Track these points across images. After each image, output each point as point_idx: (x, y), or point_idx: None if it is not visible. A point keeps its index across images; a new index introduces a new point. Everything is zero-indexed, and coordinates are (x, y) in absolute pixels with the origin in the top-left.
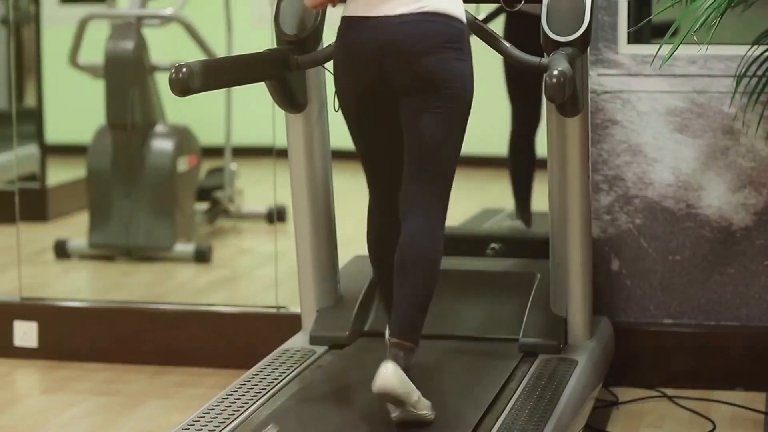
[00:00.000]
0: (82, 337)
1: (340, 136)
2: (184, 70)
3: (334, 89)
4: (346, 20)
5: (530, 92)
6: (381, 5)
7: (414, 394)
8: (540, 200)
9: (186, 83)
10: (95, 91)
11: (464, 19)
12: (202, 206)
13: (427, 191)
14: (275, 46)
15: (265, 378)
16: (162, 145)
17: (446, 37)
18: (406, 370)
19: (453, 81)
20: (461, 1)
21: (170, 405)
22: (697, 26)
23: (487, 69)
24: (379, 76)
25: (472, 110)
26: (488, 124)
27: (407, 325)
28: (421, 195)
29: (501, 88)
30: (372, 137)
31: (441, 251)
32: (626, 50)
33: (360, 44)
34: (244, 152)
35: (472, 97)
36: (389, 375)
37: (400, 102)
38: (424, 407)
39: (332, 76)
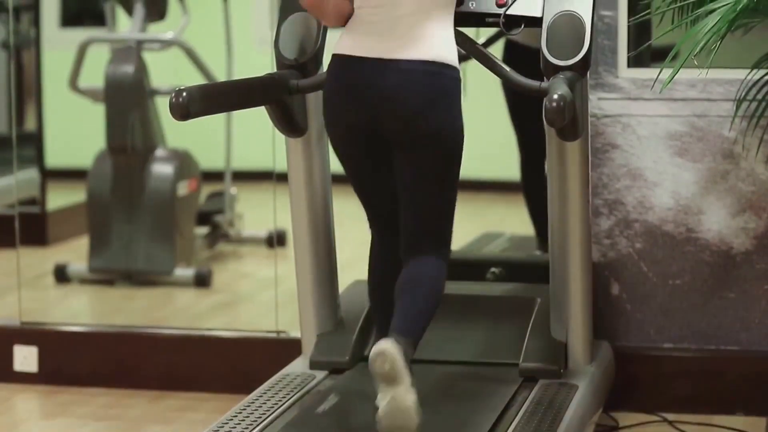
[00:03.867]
0: (82, 362)
1: None
2: (184, 94)
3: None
4: (340, 58)
5: (534, 118)
6: (378, 47)
7: (408, 378)
8: None
9: (186, 107)
10: (95, 115)
11: (458, 66)
12: (202, 230)
13: (427, 244)
14: (275, 70)
15: (265, 403)
16: (162, 169)
17: (444, 89)
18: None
19: (448, 135)
20: (455, 49)
21: (170, 430)
22: (697, 50)
23: (486, 93)
24: (373, 121)
25: (472, 133)
26: (488, 149)
27: (404, 330)
28: (421, 249)
29: (500, 112)
30: (362, 174)
31: (444, 277)
32: (626, 74)
33: (355, 84)
34: (244, 176)
35: (462, 146)
36: (389, 346)
37: (392, 150)
38: (411, 401)
39: (323, 110)
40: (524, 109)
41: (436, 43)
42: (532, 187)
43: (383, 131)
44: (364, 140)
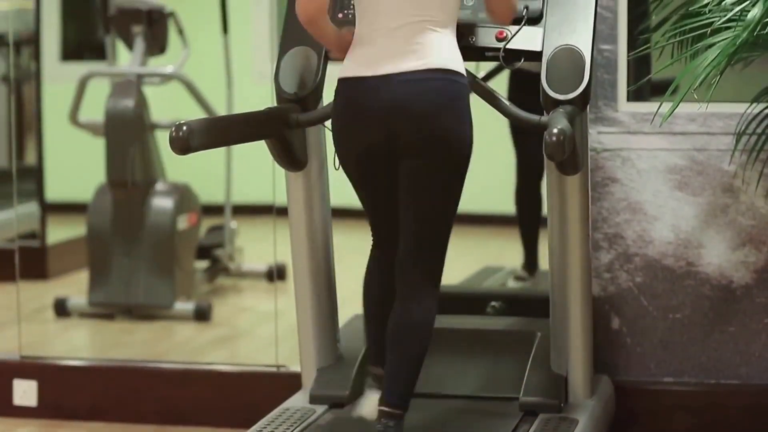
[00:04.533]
0: (81, 396)
1: (340, 194)
2: (184, 128)
3: (334, 148)
4: (347, 81)
5: (535, 141)
6: (383, 63)
7: None
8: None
9: (186, 142)
10: (95, 148)
11: (465, 73)
12: (202, 264)
13: (425, 255)
14: (275, 104)
15: None
16: (162, 203)
17: (452, 95)
18: None
19: (458, 141)
20: (460, 56)
21: None
22: (697, 84)
23: (487, 126)
24: (385, 135)
25: (472, 167)
26: (488, 182)
27: (397, 395)
28: (418, 258)
29: (500, 145)
30: (375, 193)
31: (434, 316)
32: (626, 108)
33: (366, 104)
34: (244, 210)
35: (470, 156)
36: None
37: (401, 161)
38: None
39: (332, 136)
40: (526, 136)
41: (439, 51)
42: (526, 207)
43: (396, 143)
44: (374, 155)
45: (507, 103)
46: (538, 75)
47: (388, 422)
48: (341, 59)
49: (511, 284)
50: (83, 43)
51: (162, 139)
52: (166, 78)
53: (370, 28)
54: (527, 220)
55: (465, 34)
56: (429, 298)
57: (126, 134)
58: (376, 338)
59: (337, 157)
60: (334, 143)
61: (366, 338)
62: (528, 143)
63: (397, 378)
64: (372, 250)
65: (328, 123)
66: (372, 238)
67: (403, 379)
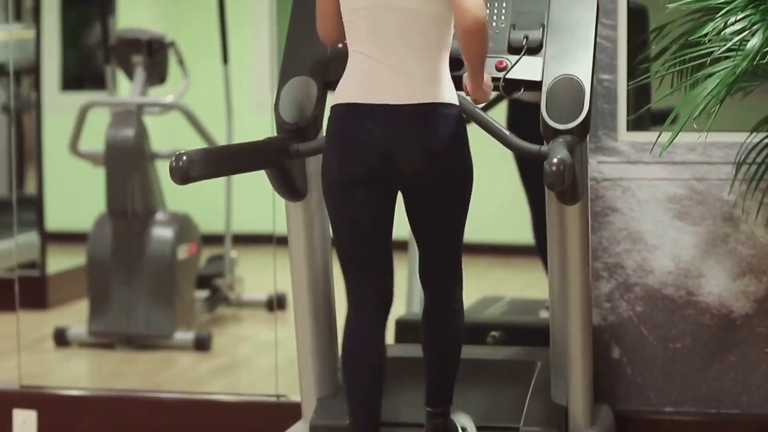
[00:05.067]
0: (81, 426)
1: None
2: (184, 158)
3: (321, 174)
4: (343, 107)
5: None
6: (381, 93)
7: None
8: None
9: (186, 172)
10: (95, 178)
11: (457, 101)
12: (202, 294)
13: (447, 259)
14: (275, 134)
15: None
16: (162, 232)
17: (450, 126)
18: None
19: (460, 166)
20: (452, 84)
21: None
22: (697, 114)
23: (484, 155)
24: (384, 165)
25: (471, 198)
26: (487, 211)
27: (441, 395)
28: (437, 271)
29: (499, 175)
30: (367, 227)
31: (463, 313)
32: (626, 137)
33: (365, 133)
34: (244, 240)
35: (472, 175)
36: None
37: (404, 192)
38: None
39: (322, 162)
40: (532, 164)
41: (435, 83)
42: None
43: (393, 173)
44: (368, 186)
45: (507, 132)
46: (537, 104)
47: (437, 421)
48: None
49: (544, 314)
50: (83, 73)
51: (162, 168)
52: (166, 108)
53: (362, 54)
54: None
55: (462, 66)
56: (457, 299)
57: (126, 164)
58: (367, 420)
59: (322, 177)
60: (324, 169)
61: (352, 418)
62: (536, 179)
63: (440, 381)
64: (349, 312)
65: None
66: (348, 297)
67: (446, 380)
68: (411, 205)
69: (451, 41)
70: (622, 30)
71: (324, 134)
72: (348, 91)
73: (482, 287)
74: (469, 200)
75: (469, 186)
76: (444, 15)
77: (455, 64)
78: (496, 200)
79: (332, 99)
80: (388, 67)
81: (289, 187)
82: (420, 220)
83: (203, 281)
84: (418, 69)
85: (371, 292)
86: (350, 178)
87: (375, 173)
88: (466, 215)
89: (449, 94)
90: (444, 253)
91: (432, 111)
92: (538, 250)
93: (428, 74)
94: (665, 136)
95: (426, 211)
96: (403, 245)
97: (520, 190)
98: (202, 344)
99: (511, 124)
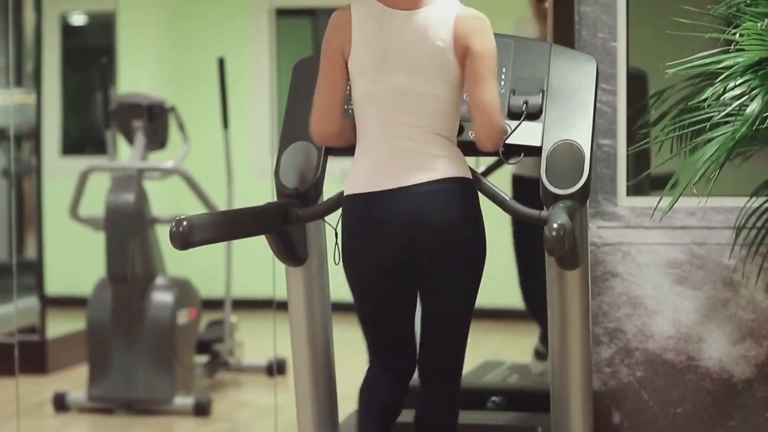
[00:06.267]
0: None
1: (341, 289)
2: (184, 223)
3: (335, 243)
4: (356, 197)
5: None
6: (394, 176)
7: None
8: None
9: (186, 237)
10: (95, 243)
11: (471, 177)
12: (202, 359)
13: (447, 355)
14: (275, 199)
15: None
16: (162, 297)
17: (466, 203)
18: None
19: (475, 246)
20: (465, 160)
21: None
22: (696, 179)
23: (487, 221)
24: (403, 248)
25: None
26: (489, 277)
27: None
28: (440, 360)
29: (500, 238)
30: (385, 307)
31: (457, 416)
32: (625, 202)
33: (383, 218)
34: (244, 304)
35: (486, 255)
36: None
37: (421, 271)
38: None
39: (342, 255)
40: (527, 238)
41: (448, 159)
42: (532, 289)
43: (414, 255)
44: (395, 273)
45: (507, 197)
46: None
47: None
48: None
49: (533, 363)
50: (84, 138)
51: (162, 233)
52: (166, 172)
53: (374, 138)
54: (535, 297)
55: (465, 129)
56: (453, 402)
57: (126, 229)
58: None
59: (337, 253)
60: (345, 262)
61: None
62: (530, 252)
63: None
64: (371, 366)
65: (329, 218)
66: (369, 353)
67: None
68: (424, 284)
69: (459, 118)
70: (622, 95)
71: (325, 200)
72: (360, 180)
73: (483, 352)
74: (479, 281)
75: (481, 265)
76: (454, 97)
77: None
78: (497, 265)
79: (345, 188)
80: (400, 150)
81: (290, 252)
82: (432, 300)
83: (203, 346)
84: (430, 150)
85: (393, 365)
86: (373, 267)
87: (397, 258)
88: (474, 302)
89: (459, 169)
90: (449, 344)
91: (447, 187)
92: (530, 312)
93: (435, 152)
94: (665, 201)
95: (438, 290)
96: None
97: None
98: (201, 409)
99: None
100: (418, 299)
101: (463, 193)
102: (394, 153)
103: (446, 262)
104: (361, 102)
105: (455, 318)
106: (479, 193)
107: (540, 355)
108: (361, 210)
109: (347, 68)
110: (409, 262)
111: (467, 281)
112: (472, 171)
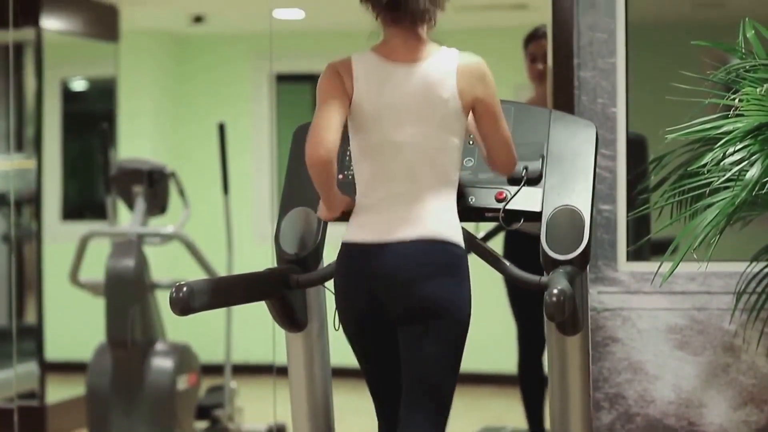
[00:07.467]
0: None
1: (341, 354)
2: (184, 289)
3: (335, 308)
4: (345, 246)
5: (535, 312)
6: (382, 231)
7: None
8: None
9: (186, 302)
10: (95, 308)
11: (462, 244)
12: (202, 424)
13: (427, 421)
14: (275, 265)
15: None
16: (162, 363)
17: (442, 262)
18: None
19: (448, 306)
20: (459, 226)
21: None
22: (697, 244)
23: (485, 286)
24: (371, 303)
25: (471, 325)
26: (487, 341)
27: None
28: (420, 425)
29: (499, 304)
30: (377, 362)
31: None
32: (626, 268)
33: (357, 271)
34: (244, 370)
35: (468, 320)
36: None
37: (397, 329)
38: None
39: (334, 299)
40: (525, 302)
41: (433, 219)
42: (529, 381)
43: (386, 312)
44: (372, 326)
45: (507, 263)
46: (535, 236)
47: None
48: (328, 219)
49: None
50: (84, 203)
51: (162, 298)
52: (166, 238)
53: (372, 193)
54: (531, 391)
55: (465, 194)
56: None
57: (126, 294)
58: None
59: (337, 318)
60: (336, 306)
61: None
62: (529, 313)
63: None
64: (379, 426)
65: (329, 284)
66: (377, 415)
67: None
68: (400, 346)
69: (459, 175)
70: (622, 160)
71: (324, 266)
72: (354, 229)
73: (483, 417)
74: (456, 348)
75: (456, 329)
76: (451, 144)
77: None
78: (496, 329)
79: (343, 236)
80: (390, 204)
81: (290, 317)
82: (405, 363)
83: (203, 412)
84: (415, 206)
85: (393, 412)
86: (354, 315)
87: (372, 311)
88: (453, 369)
89: (445, 230)
90: (424, 412)
91: (422, 247)
92: (520, 383)
93: (424, 212)
94: (666, 266)
95: (410, 353)
96: None
97: None
98: None
99: (508, 254)
100: None
101: (440, 253)
102: (386, 209)
103: (415, 322)
104: (361, 154)
105: (429, 380)
106: (479, 256)
107: None
108: (347, 259)
109: (349, 102)
110: (382, 317)
111: (439, 346)
112: (469, 234)
